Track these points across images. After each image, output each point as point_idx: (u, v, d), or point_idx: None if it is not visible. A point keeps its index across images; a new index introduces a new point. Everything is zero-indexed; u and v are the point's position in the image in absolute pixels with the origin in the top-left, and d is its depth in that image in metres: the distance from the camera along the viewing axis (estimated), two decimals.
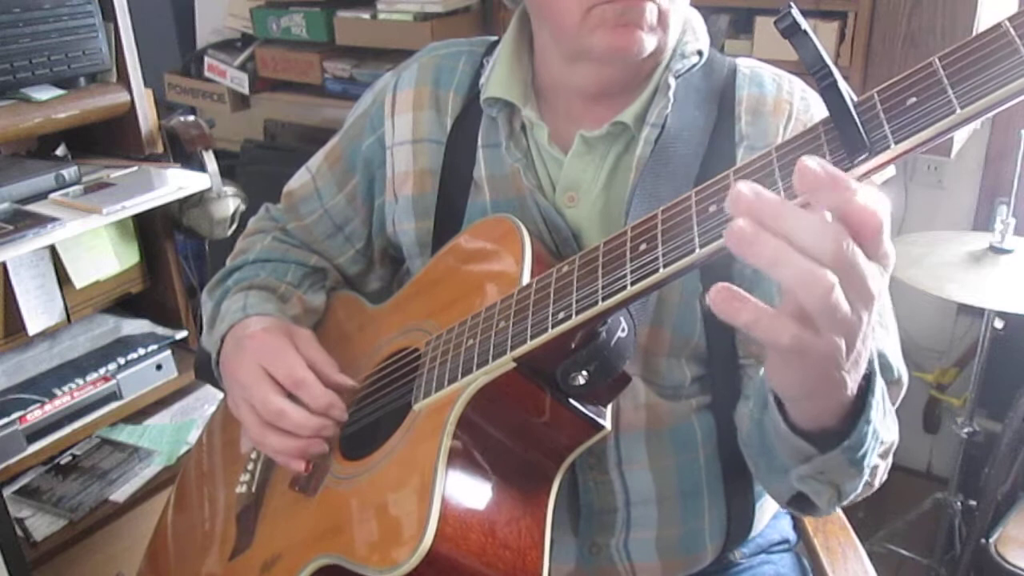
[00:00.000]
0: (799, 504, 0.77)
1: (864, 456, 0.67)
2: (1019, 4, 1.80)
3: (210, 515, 1.01)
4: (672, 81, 0.85)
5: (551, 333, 0.67)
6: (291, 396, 0.84)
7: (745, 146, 0.85)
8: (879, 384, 0.65)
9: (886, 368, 0.81)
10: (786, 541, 1.05)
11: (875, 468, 0.77)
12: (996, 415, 1.98)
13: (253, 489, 0.95)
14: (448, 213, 0.94)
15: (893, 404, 0.81)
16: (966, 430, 1.90)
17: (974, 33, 0.54)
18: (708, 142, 0.85)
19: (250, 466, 0.97)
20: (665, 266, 0.60)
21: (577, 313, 0.66)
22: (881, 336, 0.82)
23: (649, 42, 0.80)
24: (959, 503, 1.94)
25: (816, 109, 0.87)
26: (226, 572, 0.91)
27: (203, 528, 1.00)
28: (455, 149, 0.94)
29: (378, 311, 0.99)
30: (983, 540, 1.74)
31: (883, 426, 0.70)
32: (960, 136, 1.82)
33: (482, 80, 0.92)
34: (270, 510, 0.91)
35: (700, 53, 0.88)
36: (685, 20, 0.88)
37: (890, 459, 0.79)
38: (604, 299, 0.64)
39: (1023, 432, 1.81)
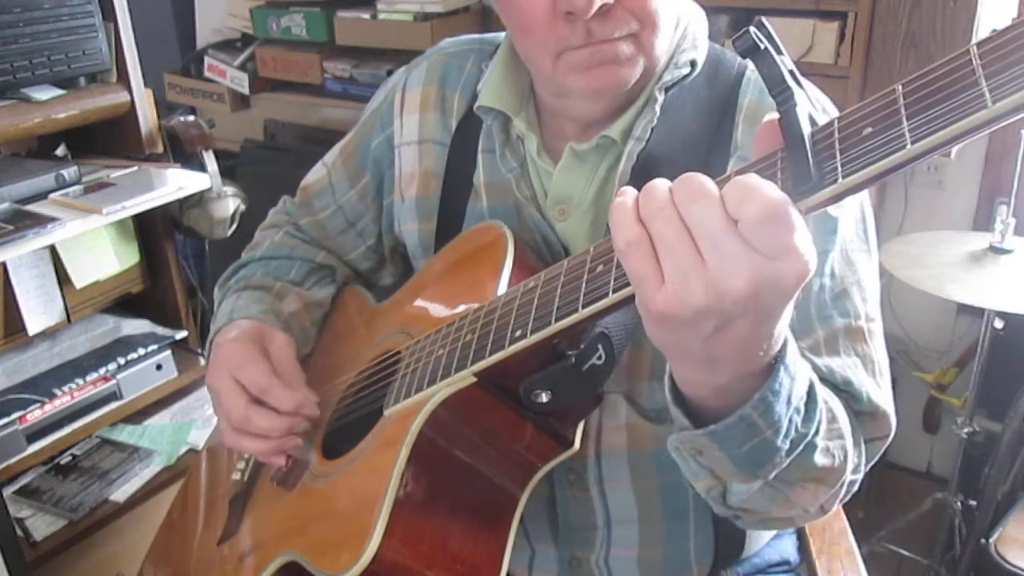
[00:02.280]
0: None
1: (748, 457, 0.62)
2: (1020, 5, 1.80)
3: (211, 497, 1.03)
4: (659, 95, 0.81)
5: (507, 351, 0.66)
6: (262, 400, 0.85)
7: (737, 156, 0.80)
8: (783, 388, 0.58)
9: (854, 397, 0.77)
10: (786, 563, 1.01)
11: (799, 487, 0.70)
12: (996, 415, 1.98)
13: (245, 477, 0.96)
14: (449, 216, 0.94)
15: (869, 439, 0.77)
16: (966, 430, 1.89)
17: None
18: (706, 152, 0.81)
19: (246, 454, 0.99)
20: (615, 291, 0.56)
21: (531, 333, 0.64)
22: (850, 365, 0.78)
23: (630, 74, 0.77)
24: (959, 503, 1.94)
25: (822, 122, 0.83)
26: (212, 555, 0.93)
27: (204, 508, 1.03)
28: (457, 152, 0.93)
29: (381, 308, 0.99)
30: (983, 540, 1.74)
31: (820, 447, 0.66)
32: None
33: (478, 86, 0.91)
34: (257, 500, 0.93)
35: (693, 64, 0.83)
36: (684, 27, 0.84)
37: (839, 490, 0.74)
38: (556, 320, 0.61)
39: (1023, 432, 1.81)
